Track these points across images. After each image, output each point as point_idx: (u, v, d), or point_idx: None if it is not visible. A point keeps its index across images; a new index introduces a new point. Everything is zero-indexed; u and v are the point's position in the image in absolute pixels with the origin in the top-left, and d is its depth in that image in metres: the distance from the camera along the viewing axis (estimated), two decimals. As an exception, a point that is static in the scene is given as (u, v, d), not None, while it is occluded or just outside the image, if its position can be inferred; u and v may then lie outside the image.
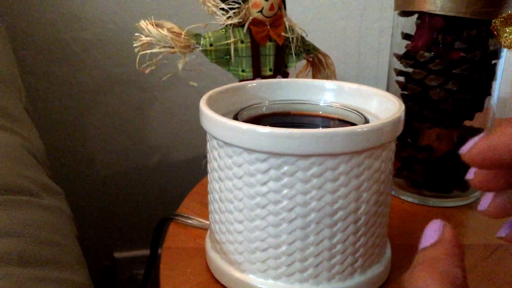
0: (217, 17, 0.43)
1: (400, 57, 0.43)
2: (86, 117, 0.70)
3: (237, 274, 0.30)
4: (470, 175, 0.20)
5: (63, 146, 0.71)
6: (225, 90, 0.34)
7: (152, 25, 0.41)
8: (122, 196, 0.76)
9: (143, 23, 0.41)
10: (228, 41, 0.43)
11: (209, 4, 0.43)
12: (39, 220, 0.32)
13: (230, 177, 0.29)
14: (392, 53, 0.44)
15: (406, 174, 0.45)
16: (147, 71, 0.43)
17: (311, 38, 0.49)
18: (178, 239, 0.38)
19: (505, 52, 0.41)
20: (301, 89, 0.37)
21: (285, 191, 0.27)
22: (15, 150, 0.37)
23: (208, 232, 0.35)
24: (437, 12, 0.38)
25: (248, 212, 0.28)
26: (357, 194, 0.27)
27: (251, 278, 0.30)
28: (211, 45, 0.43)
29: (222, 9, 0.42)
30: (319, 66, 0.50)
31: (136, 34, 0.42)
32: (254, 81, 0.37)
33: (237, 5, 0.42)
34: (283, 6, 0.44)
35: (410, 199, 0.44)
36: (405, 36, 0.43)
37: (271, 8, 0.42)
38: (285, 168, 0.26)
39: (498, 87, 0.42)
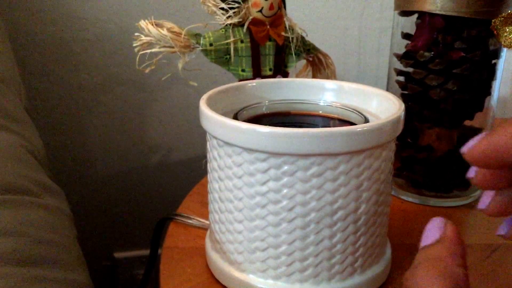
0: (217, 16, 0.43)
1: (400, 57, 0.43)
2: (86, 117, 0.70)
3: (237, 273, 0.30)
4: (471, 173, 0.20)
5: (63, 146, 0.71)
6: (225, 89, 0.34)
7: (152, 24, 0.41)
8: (122, 196, 0.76)
9: (143, 23, 0.41)
10: (228, 41, 0.43)
11: (209, 4, 0.43)
12: (39, 220, 0.32)
13: (230, 177, 0.29)
14: (392, 53, 0.44)
15: (406, 174, 0.45)
16: (147, 71, 0.43)
17: (311, 38, 0.49)
18: (178, 239, 0.38)
19: (505, 52, 0.41)
20: (301, 89, 0.37)
21: (285, 191, 0.27)
22: (15, 150, 0.37)
23: (208, 232, 0.35)
24: (437, 12, 0.38)
25: (248, 212, 0.28)
26: (357, 194, 0.27)
27: (251, 278, 0.30)
28: (211, 44, 0.43)
29: (222, 8, 0.42)
30: (319, 66, 0.50)
31: (136, 33, 0.42)
32: (254, 80, 0.37)
33: (237, 5, 0.42)
34: (283, 6, 0.44)
35: (410, 199, 0.44)
36: (405, 35, 0.43)
37: (271, 7, 0.42)
38: (285, 167, 0.26)
39: (498, 87, 0.42)
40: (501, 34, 0.37)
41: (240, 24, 0.43)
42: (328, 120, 0.35)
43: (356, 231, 0.28)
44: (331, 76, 0.51)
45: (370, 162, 0.27)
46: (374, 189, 0.28)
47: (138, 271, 0.79)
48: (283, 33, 0.44)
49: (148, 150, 0.74)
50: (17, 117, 0.42)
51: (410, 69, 0.42)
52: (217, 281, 0.32)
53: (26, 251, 0.29)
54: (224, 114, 0.29)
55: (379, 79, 0.74)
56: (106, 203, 0.76)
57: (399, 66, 0.43)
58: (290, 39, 0.45)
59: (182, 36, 0.42)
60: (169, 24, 0.42)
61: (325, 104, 0.36)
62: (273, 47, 0.44)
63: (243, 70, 0.44)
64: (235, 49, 0.43)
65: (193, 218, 0.39)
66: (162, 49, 0.42)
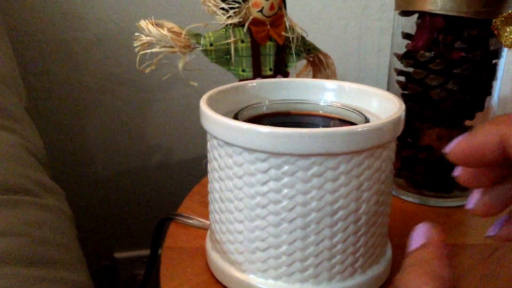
0: (217, 16, 0.43)
1: (400, 57, 0.43)
2: (86, 117, 0.70)
3: (237, 274, 0.30)
4: (456, 172, 0.21)
5: (63, 146, 0.71)
6: (225, 89, 0.34)
7: (152, 24, 0.41)
8: (123, 196, 0.76)
9: (143, 23, 0.41)
10: (228, 41, 0.43)
11: (209, 4, 0.43)
12: (40, 220, 0.32)
13: (230, 177, 0.29)
14: (393, 53, 0.44)
15: (407, 174, 0.45)
16: (147, 71, 0.43)
17: (311, 38, 0.49)
18: (178, 239, 0.38)
19: (505, 52, 0.41)
20: (301, 89, 0.37)
21: (285, 191, 0.27)
22: (16, 150, 0.37)
23: (209, 232, 0.35)
24: (438, 12, 0.38)
25: (249, 212, 0.28)
26: (358, 194, 0.27)
27: (251, 278, 0.30)
28: (211, 44, 0.43)
29: (222, 8, 0.42)
30: (319, 66, 0.50)
31: (136, 33, 0.42)
32: (254, 80, 0.37)
33: (237, 5, 0.42)
34: (283, 6, 0.44)
35: (410, 199, 0.44)
36: (406, 35, 0.43)
37: (271, 7, 0.42)
38: (286, 167, 0.26)
39: (498, 87, 0.42)
40: (502, 34, 0.37)
41: (241, 24, 0.43)
42: (328, 120, 0.35)
43: (357, 231, 0.28)
44: (332, 76, 0.51)
45: (371, 162, 0.27)
46: (375, 189, 0.28)
47: (139, 271, 0.79)
48: (283, 33, 0.44)
49: (148, 150, 0.74)
50: (17, 117, 0.42)
51: (410, 69, 0.42)
52: (218, 281, 0.32)
53: (26, 251, 0.29)
54: (225, 114, 0.29)
55: (380, 79, 0.74)
56: (106, 203, 0.76)
57: (400, 66, 0.43)
58: (291, 39, 0.45)
59: (183, 36, 0.42)
60: (169, 24, 0.42)
61: (326, 104, 0.36)
62: (273, 47, 0.44)
63: (243, 70, 0.44)
64: (236, 49, 0.43)
65: (194, 218, 0.39)
66: (162, 49, 0.42)
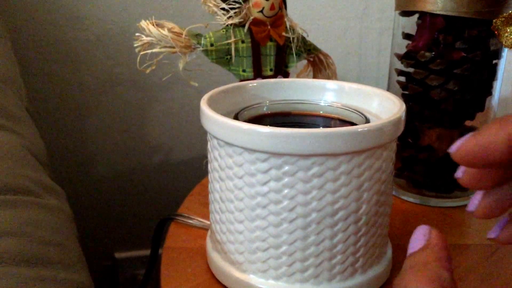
0: (218, 17, 0.43)
1: (401, 57, 0.43)
2: (87, 117, 0.70)
3: (237, 274, 0.30)
4: (459, 174, 0.21)
5: (63, 146, 0.71)
6: (226, 90, 0.34)
7: (153, 25, 0.41)
8: (123, 196, 0.76)
9: (143, 23, 0.41)
10: (229, 41, 0.43)
11: (210, 4, 0.43)
12: (40, 220, 0.32)
13: (230, 177, 0.29)
14: (393, 53, 0.44)
15: (407, 174, 0.45)
16: (147, 71, 0.43)
17: (311, 38, 0.48)
18: (178, 239, 0.38)
19: (506, 52, 0.41)
20: (301, 89, 0.37)
21: (285, 191, 0.27)
22: (16, 150, 0.37)
23: (209, 232, 0.35)
24: (438, 12, 0.38)
25: (249, 212, 0.28)
26: (358, 194, 0.27)
27: (251, 278, 0.30)
28: (211, 45, 0.43)
29: (223, 9, 0.42)
30: (319, 66, 0.50)
31: (137, 34, 0.42)
32: (254, 81, 0.37)
33: (237, 5, 0.42)
34: (283, 6, 0.44)
35: (411, 199, 0.44)
36: (406, 36, 0.43)
37: (272, 8, 0.42)
38: (286, 168, 0.26)
39: (499, 87, 0.42)
40: (502, 34, 0.37)
41: (241, 25, 0.43)
42: (329, 121, 0.35)
43: (357, 231, 0.28)
44: (332, 76, 0.51)
45: (371, 162, 0.27)
46: (375, 189, 0.28)
47: (139, 271, 0.79)
48: (284, 33, 0.44)
49: (149, 150, 0.74)
50: (17, 117, 0.42)
51: (411, 69, 0.42)
52: (218, 282, 0.32)
53: (27, 251, 0.29)
54: (225, 114, 0.29)
55: (380, 79, 0.74)
56: (106, 203, 0.76)
57: (400, 66, 0.43)
58: (291, 39, 0.45)
59: (183, 36, 0.42)
60: (170, 24, 0.42)
61: (326, 104, 0.36)
62: (274, 48, 0.44)
63: (244, 71, 0.44)
64: (236, 50, 0.43)
65: (194, 218, 0.39)
66: (163, 49, 0.42)
